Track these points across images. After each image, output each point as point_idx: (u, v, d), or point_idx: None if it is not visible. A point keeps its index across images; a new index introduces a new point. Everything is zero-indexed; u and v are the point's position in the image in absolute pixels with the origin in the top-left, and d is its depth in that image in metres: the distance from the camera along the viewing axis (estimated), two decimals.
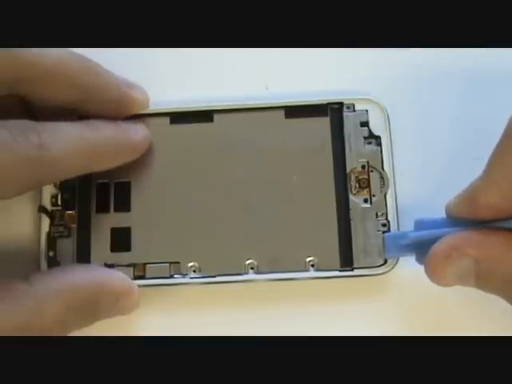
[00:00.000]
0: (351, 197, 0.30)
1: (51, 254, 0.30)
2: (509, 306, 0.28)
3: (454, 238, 0.27)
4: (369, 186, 0.30)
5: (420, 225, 0.29)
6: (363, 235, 0.30)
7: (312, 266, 0.30)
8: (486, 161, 0.27)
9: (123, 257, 0.30)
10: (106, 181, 0.31)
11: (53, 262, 0.30)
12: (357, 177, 0.31)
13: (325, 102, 0.31)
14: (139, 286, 0.29)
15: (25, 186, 0.27)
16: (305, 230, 0.30)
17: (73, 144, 0.28)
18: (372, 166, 0.31)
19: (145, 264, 0.30)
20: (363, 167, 0.31)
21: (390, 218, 0.30)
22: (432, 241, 0.28)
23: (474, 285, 0.28)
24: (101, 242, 0.31)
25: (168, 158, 0.31)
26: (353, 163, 0.31)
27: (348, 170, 0.31)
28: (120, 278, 0.29)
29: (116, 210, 0.31)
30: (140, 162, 0.31)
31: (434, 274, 0.28)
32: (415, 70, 0.32)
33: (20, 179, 0.26)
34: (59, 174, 0.28)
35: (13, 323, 0.26)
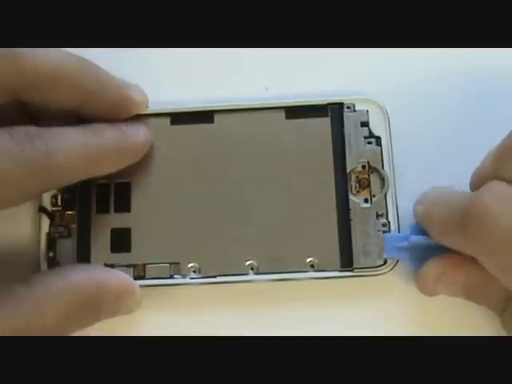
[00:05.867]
0: (351, 197, 0.30)
1: (51, 254, 0.30)
2: None
3: (443, 262, 0.28)
4: (369, 186, 0.30)
5: (415, 229, 0.29)
6: (363, 235, 0.30)
7: (312, 266, 0.30)
8: None
9: (123, 257, 0.30)
10: (106, 181, 0.31)
11: (53, 263, 0.30)
12: (357, 177, 0.31)
13: (325, 103, 0.31)
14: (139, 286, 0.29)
15: (31, 193, 0.27)
16: (305, 230, 0.30)
17: (78, 151, 0.28)
18: (372, 166, 0.31)
19: (145, 265, 0.30)
20: (363, 167, 0.31)
21: (390, 218, 0.30)
22: (431, 247, 0.28)
23: (464, 299, 0.29)
24: (101, 242, 0.31)
25: (168, 158, 0.31)
26: (353, 163, 0.31)
27: (348, 170, 0.31)
28: (121, 277, 0.29)
29: (116, 210, 0.31)
30: (140, 162, 0.31)
31: (424, 290, 0.29)
32: (415, 70, 0.32)
33: (27, 188, 0.26)
34: (64, 180, 0.28)
35: (13, 326, 0.26)
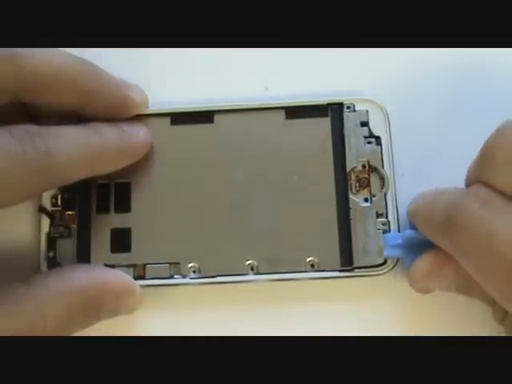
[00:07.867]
0: (351, 196, 0.30)
1: (51, 254, 0.30)
2: None
3: (431, 258, 0.28)
4: (369, 185, 0.30)
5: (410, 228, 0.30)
6: (363, 235, 0.30)
7: (312, 265, 0.30)
8: None
9: (123, 257, 0.30)
10: (106, 181, 0.31)
11: (53, 263, 0.30)
12: (357, 176, 0.31)
13: (325, 103, 0.31)
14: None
15: (31, 193, 0.27)
16: (305, 230, 0.30)
17: (79, 150, 0.28)
18: (372, 166, 0.31)
19: (145, 265, 0.30)
20: (363, 167, 0.31)
21: (389, 217, 0.30)
22: (425, 242, 0.28)
23: (456, 293, 0.29)
24: (101, 242, 0.31)
25: (168, 158, 0.31)
26: (353, 163, 0.31)
27: (348, 170, 0.31)
28: (121, 277, 0.29)
29: (116, 210, 0.31)
30: (140, 162, 0.31)
31: (415, 287, 0.29)
32: (415, 70, 0.32)
33: (27, 187, 0.26)
34: (65, 179, 0.28)
35: (14, 327, 0.26)
